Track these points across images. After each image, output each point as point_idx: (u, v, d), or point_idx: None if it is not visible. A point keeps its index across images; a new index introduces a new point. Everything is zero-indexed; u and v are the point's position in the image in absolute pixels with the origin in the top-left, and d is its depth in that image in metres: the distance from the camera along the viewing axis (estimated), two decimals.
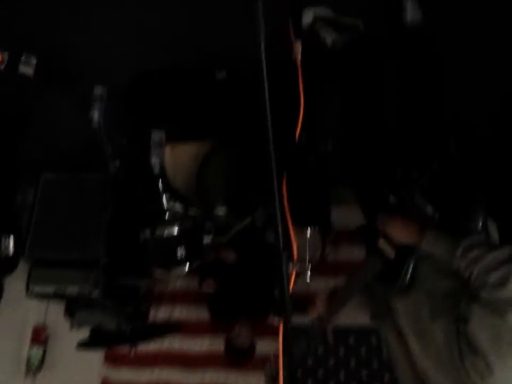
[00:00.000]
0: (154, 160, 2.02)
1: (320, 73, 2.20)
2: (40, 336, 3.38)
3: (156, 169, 2.03)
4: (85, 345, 2.38)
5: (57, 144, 2.75)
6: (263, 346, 2.74)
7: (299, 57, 1.35)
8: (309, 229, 1.55)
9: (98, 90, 2.12)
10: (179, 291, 3.31)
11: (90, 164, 2.69)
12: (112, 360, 3.28)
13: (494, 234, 1.70)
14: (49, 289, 2.87)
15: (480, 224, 1.61)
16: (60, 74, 2.38)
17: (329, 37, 1.73)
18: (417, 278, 1.56)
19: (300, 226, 1.60)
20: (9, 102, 2.52)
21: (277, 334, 1.13)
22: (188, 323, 3.21)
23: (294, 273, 1.12)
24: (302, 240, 1.58)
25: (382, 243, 1.60)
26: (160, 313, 3.29)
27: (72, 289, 2.81)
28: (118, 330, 2.33)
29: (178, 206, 2.29)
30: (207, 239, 2.37)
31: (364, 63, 2.19)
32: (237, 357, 2.78)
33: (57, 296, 2.89)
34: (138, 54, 2.26)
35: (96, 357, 3.30)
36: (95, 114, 2.09)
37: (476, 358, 1.27)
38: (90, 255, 2.69)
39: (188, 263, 2.24)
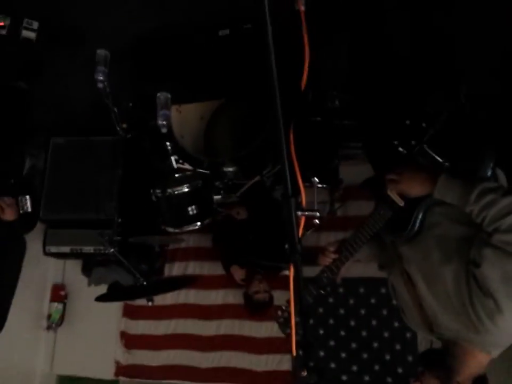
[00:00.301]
0: (161, 121, 2.02)
1: (327, 24, 2.14)
2: (59, 294, 3.54)
3: (163, 130, 2.03)
4: (103, 299, 2.48)
5: (65, 108, 2.76)
6: (278, 297, 2.84)
7: (303, 7, 1.31)
8: (317, 183, 1.54)
9: (101, 53, 2.09)
10: (192, 247, 3.40)
11: (98, 127, 2.71)
12: (130, 313, 3.43)
13: (504, 183, 1.71)
14: (65, 249, 2.98)
15: (490, 172, 1.60)
16: (63, 38, 2.36)
17: None
18: (427, 224, 1.57)
19: (308, 183, 1.61)
20: (14, 66, 2.51)
21: None
22: (202, 277, 3.32)
23: (303, 219, 1.14)
24: (310, 196, 1.60)
25: (391, 191, 1.60)
26: (174, 269, 3.41)
27: (88, 249, 2.91)
28: (135, 285, 2.41)
29: (187, 166, 2.31)
30: (217, 197, 2.41)
31: (374, 11, 2.14)
32: (257, 310, 2.88)
33: (73, 255, 3.00)
34: (140, 16, 2.22)
35: (114, 311, 3.46)
36: (99, 77, 2.08)
37: (486, 299, 1.31)
38: (103, 215, 2.76)
39: (198, 221, 2.28)
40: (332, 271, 1.69)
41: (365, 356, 2.99)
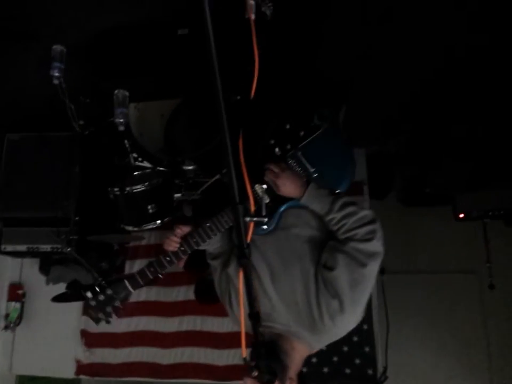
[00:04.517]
0: (118, 119, 2.01)
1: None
2: (16, 293, 3.47)
3: (120, 128, 2.02)
4: (59, 299, 2.45)
5: (20, 104, 2.69)
6: None
7: (252, 16, 1.34)
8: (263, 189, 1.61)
9: (57, 49, 2.06)
10: (154, 245, 3.37)
11: (55, 124, 2.66)
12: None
13: None
14: (22, 247, 2.91)
15: (346, 187, 1.82)
16: (16, 32, 2.30)
17: (268, 10, 1.75)
18: (283, 224, 1.70)
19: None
20: None
21: None
22: (164, 274, 3.30)
23: (251, 225, 1.19)
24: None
25: (258, 187, 1.69)
26: (135, 267, 3.37)
27: (45, 247, 2.86)
28: (94, 284, 2.39)
29: (146, 164, 2.31)
30: (177, 195, 2.41)
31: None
32: (207, 300, 2.91)
33: (30, 254, 2.93)
34: (98, 12, 2.18)
35: (74, 309, 3.41)
36: (55, 73, 2.05)
37: (332, 300, 1.48)
38: (61, 213, 2.71)
39: (158, 219, 2.28)
40: (170, 260, 1.74)
41: (324, 348, 3.06)
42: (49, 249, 2.84)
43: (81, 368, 3.38)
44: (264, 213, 1.52)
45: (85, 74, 2.33)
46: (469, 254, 3.71)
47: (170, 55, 2.17)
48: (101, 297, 1.69)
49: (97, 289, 1.69)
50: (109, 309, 1.71)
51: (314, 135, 1.81)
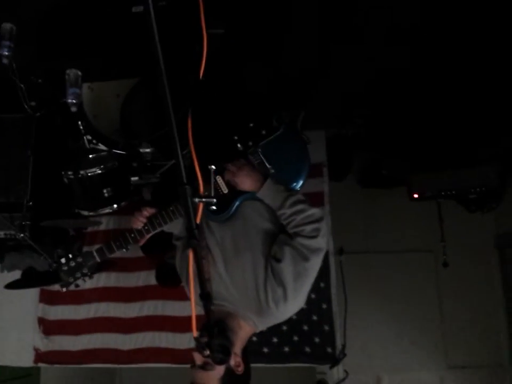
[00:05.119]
0: (70, 100, 1.95)
1: None
2: None
3: (73, 109, 1.96)
4: (12, 286, 2.39)
5: None
6: None
7: None
8: (213, 170, 1.64)
9: (6, 27, 1.97)
10: (112, 229, 3.33)
11: (5, 105, 2.55)
12: (48, 299, 3.32)
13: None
14: None
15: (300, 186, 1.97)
16: None
17: None
18: (239, 214, 1.85)
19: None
20: None
21: None
22: (123, 260, 3.27)
23: (200, 206, 1.21)
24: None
25: (219, 178, 1.87)
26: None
27: None
28: (49, 270, 2.34)
29: (102, 146, 2.25)
30: (134, 179, 2.37)
31: None
32: (169, 283, 2.93)
33: None
34: None
35: (31, 297, 3.33)
36: (4, 52, 1.96)
37: (278, 287, 1.62)
38: (13, 198, 2.62)
39: (114, 203, 2.24)
40: (134, 236, 1.95)
41: (284, 328, 3.12)
42: (2, 236, 2.75)
43: (40, 356, 3.32)
44: (213, 195, 1.64)
45: (36, 54, 2.24)
46: (425, 233, 3.85)
47: (125, 34, 2.11)
48: (72, 263, 1.95)
49: (70, 256, 1.96)
50: (78, 274, 1.96)
51: (275, 135, 1.94)
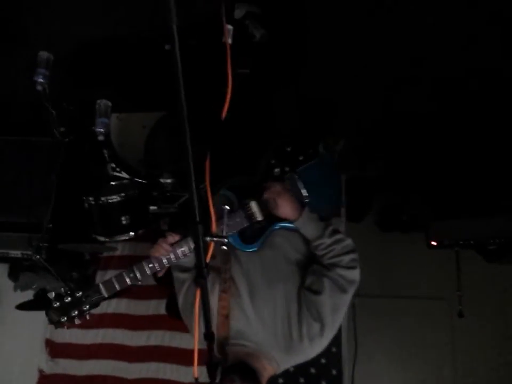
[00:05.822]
0: (98, 129, 2.01)
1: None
2: None
3: (100, 138, 2.02)
4: (24, 307, 2.40)
5: (4, 107, 2.67)
6: None
7: (229, 40, 1.39)
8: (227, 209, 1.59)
9: (43, 55, 2.07)
10: (127, 255, 3.34)
11: (36, 129, 2.64)
12: None
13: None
14: None
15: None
16: (3, 34, 2.30)
17: (257, 32, 1.83)
18: (270, 244, 1.73)
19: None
20: None
21: None
22: (135, 287, 3.26)
23: (211, 245, 1.20)
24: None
25: (254, 205, 1.72)
26: (107, 277, 3.29)
27: (15, 253, 2.80)
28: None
29: (124, 174, 2.31)
30: (153, 208, 2.41)
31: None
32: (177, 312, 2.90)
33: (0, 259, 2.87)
34: (87, 21, 2.21)
35: (40, 318, 3.32)
36: (39, 79, 2.05)
37: (314, 322, 1.51)
38: (34, 219, 2.67)
39: (131, 231, 2.27)
40: (153, 266, 1.72)
41: (291, 369, 3.05)
42: (19, 255, 2.79)
43: (44, 379, 3.29)
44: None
45: (70, 82, 2.33)
46: (441, 281, 3.76)
47: (156, 69, 2.19)
48: (67, 299, 1.63)
49: (62, 290, 1.69)
50: (74, 313, 1.64)
51: (313, 161, 1.88)
